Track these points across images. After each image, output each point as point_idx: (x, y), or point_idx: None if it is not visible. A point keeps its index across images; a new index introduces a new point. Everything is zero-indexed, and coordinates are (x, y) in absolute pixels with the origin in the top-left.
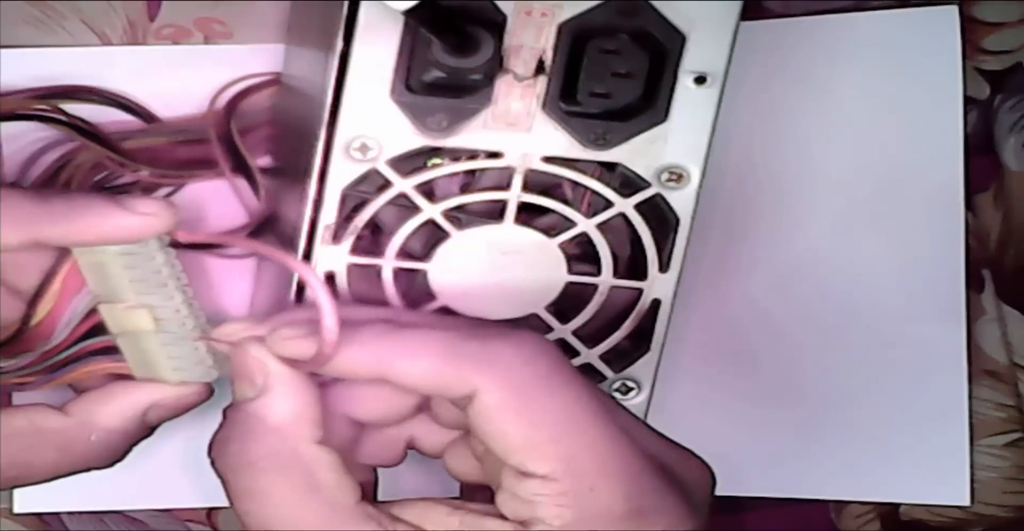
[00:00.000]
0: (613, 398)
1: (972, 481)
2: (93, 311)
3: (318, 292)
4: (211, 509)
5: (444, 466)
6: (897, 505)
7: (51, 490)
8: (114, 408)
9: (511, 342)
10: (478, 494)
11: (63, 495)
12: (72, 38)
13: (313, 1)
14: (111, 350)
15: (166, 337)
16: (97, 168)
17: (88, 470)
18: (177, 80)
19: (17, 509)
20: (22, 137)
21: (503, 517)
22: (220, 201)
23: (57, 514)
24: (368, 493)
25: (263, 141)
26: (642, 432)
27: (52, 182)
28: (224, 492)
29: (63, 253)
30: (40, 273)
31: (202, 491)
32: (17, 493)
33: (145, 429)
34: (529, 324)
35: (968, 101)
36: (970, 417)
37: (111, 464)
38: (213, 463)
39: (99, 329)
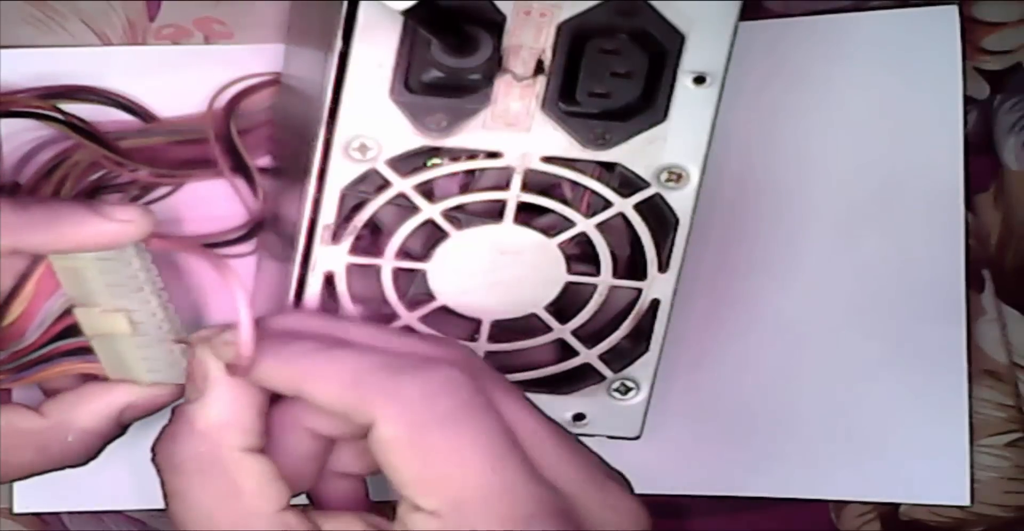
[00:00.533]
0: (553, 424)
1: (972, 481)
2: (67, 312)
3: (239, 305)
4: None
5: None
6: (897, 505)
7: (51, 490)
8: (91, 409)
9: (420, 376)
10: None
11: (63, 495)
12: (72, 38)
13: (313, 1)
14: (83, 351)
15: (142, 340)
16: (93, 167)
17: (63, 468)
18: (177, 80)
19: (17, 509)
20: (18, 136)
21: None
22: (219, 201)
23: (57, 514)
24: (357, 498)
25: (263, 141)
26: (564, 468)
27: (47, 180)
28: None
29: (37, 257)
30: (12, 276)
31: None
32: (17, 493)
33: (119, 428)
34: (528, 324)
35: (968, 101)
36: (970, 417)
37: (85, 462)
38: (152, 460)
39: (72, 330)
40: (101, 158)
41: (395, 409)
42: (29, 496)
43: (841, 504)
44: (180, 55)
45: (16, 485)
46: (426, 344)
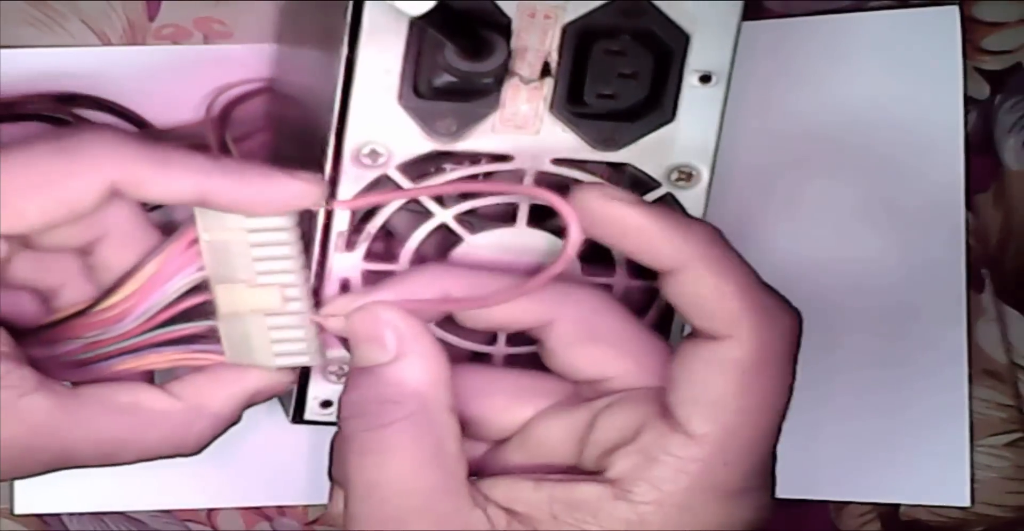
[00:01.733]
0: None
1: (972, 481)
2: (178, 299)
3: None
4: (211, 509)
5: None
6: (897, 505)
7: (51, 490)
8: (226, 394)
9: (786, 314)
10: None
11: (63, 495)
12: (72, 38)
13: (305, 1)
14: (188, 340)
15: (283, 319)
16: None
17: (174, 456)
18: (177, 80)
19: (18, 510)
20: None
21: (594, 481)
22: None
23: (57, 514)
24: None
25: (260, 147)
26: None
27: None
28: (340, 450)
29: (165, 238)
30: (137, 252)
31: (202, 491)
32: (18, 493)
33: (239, 416)
34: None
35: (968, 101)
36: (970, 417)
37: (199, 452)
38: (342, 424)
39: (179, 318)
40: None
41: (760, 334)
42: (29, 496)
43: (841, 504)
44: (180, 55)
45: (16, 485)
46: None
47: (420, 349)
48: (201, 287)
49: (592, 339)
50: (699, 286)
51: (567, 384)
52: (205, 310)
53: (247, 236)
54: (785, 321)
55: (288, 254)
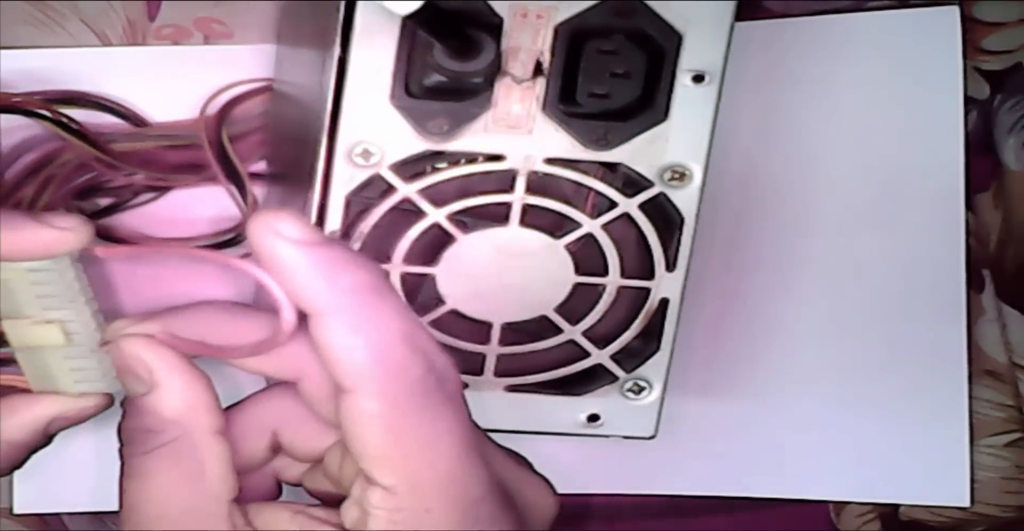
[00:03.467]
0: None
1: (972, 481)
2: None
3: (264, 282)
4: None
5: (304, 488)
6: (897, 505)
7: (51, 490)
8: (18, 421)
9: (413, 359)
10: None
11: (63, 495)
12: (72, 38)
13: (303, 1)
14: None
15: (73, 350)
16: (82, 169)
17: None
18: (177, 80)
19: (17, 509)
20: (8, 133)
21: (339, 526)
22: (208, 205)
23: (57, 514)
24: (271, 490)
25: (257, 147)
26: (492, 453)
27: (32, 179)
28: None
29: None
30: None
31: None
32: (18, 493)
33: (45, 439)
34: (539, 326)
35: (968, 101)
36: (970, 417)
37: (9, 473)
38: (120, 450)
39: None
40: (91, 160)
41: (386, 388)
42: (29, 496)
43: (841, 504)
44: (180, 55)
45: (17, 485)
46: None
47: (174, 380)
48: None
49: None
50: (329, 336)
51: None
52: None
53: (27, 275)
54: (415, 372)
55: (66, 292)
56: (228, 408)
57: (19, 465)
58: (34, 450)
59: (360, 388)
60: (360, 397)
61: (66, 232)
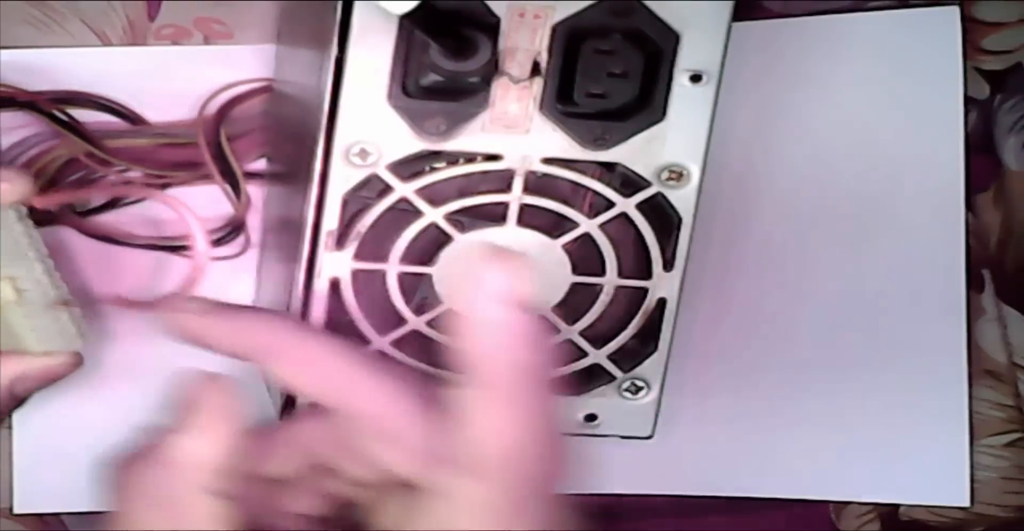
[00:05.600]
0: None
1: (972, 481)
2: None
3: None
4: None
5: None
6: (897, 505)
7: (51, 490)
8: None
9: None
10: None
11: (63, 495)
12: (72, 38)
13: (303, 1)
14: None
15: (28, 309)
16: (74, 165)
17: None
18: (176, 80)
19: (17, 509)
20: (7, 133)
21: None
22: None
23: (57, 514)
24: None
25: (256, 146)
26: None
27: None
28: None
29: None
30: None
31: None
32: (18, 493)
33: (14, 401)
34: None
35: (968, 101)
36: (970, 417)
37: None
38: (112, 470)
39: None
40: (84, 155)
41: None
42: (29, 496)
43: (841, 504)
44: (180, 55)
45: (17, 485)
46: None
47: (205, 428)
48: None
49: None
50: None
51: None
52: None
53: None
54: (541, 471)
55: (19, 246)
56: None
57: None
58: (5, 414)
59: (485, 475)
60: (478, 484)
61: (4, 184)
